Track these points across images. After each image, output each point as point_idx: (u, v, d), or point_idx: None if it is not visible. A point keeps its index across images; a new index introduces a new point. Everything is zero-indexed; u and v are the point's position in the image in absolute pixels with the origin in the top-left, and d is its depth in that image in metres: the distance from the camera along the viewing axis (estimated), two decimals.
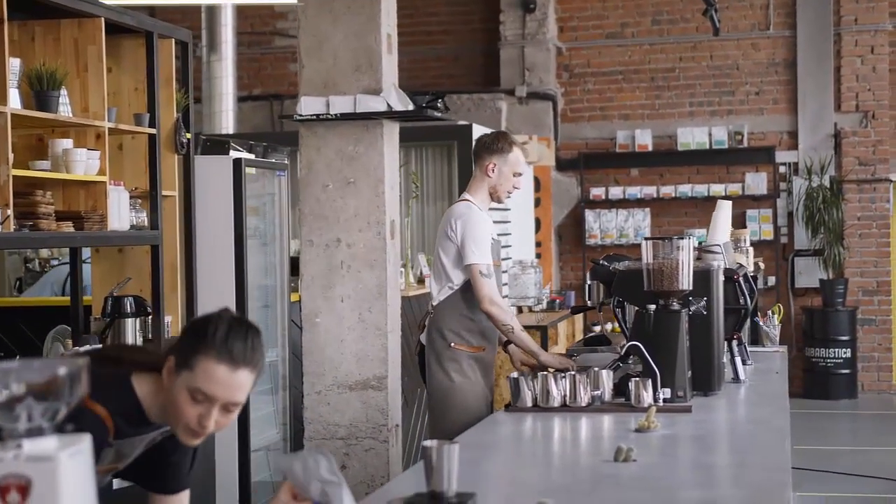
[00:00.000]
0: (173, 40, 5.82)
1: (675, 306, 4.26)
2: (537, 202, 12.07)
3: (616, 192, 12.58)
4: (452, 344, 5.11)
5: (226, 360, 2.52)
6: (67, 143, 4.96)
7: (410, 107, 5.39)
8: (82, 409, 2.48)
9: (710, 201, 11.38)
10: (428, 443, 2.69)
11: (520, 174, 5.24)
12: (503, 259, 9.66)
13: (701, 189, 12.36)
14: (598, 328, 10.20)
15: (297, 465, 2.39)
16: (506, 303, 5.15)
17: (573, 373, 4.23)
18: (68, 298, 5.82)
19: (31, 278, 8.42)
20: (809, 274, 12.29)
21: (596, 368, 4.22)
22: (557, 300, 10.60)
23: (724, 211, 5.52)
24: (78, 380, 1.78)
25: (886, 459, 9.17)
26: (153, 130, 5.54)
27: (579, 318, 10.80)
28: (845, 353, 11.94)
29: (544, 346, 8.97)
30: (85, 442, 1.77)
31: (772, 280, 12.26)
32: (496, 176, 5.18)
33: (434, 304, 5.23)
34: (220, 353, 2.52)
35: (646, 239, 4.33)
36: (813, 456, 9.08)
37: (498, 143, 5.22)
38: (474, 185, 5.24)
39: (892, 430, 10.74)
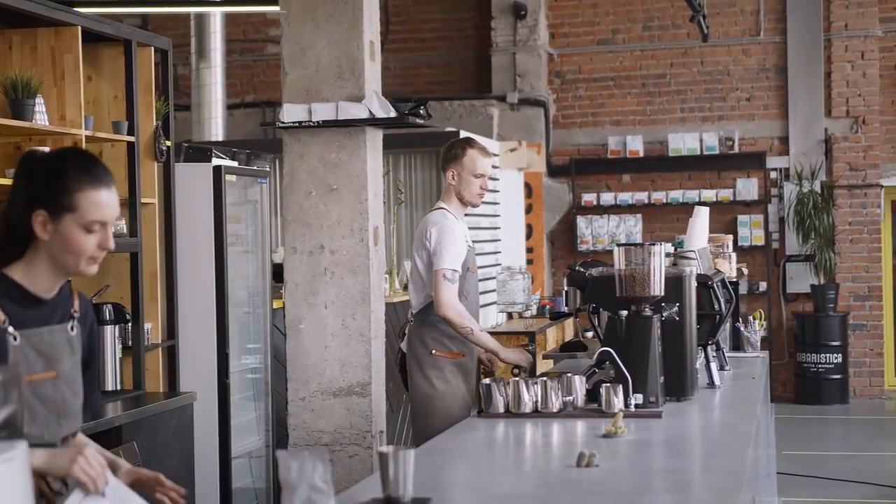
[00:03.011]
0: (153, 48, 5.84)
1: (647, 312, 4.27)
2: (529, 208, 12.09)
3: (608, 198, 12.59)
4: (433, 351, 5.17)
5: (100, 185, 2.69)
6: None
7: (392, 114, 5.41)
8: None
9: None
10: (383, 449, 2.71)
11: (481, 175, 5.28)
12: (490, 265, 9.76)
13: (692, 195, 12.37)
14: (590, 334, 10.21)
15: (294, 463, 2.40)
16: (465, 307, 5.18)
17: (545, 379, 4.23)
18: None
19: None
20: (801, 279, 12.29)
21: (569, 374, 4.23)
22: (548, 306, 10.61)
23: (701, 217, 5.53)
24: (13, 386, 1.79)
25: (877, 465, 9.17)
26: (132, 138, 5.56)
27: (570, 323, 10.81)
28: (836, 358, 11.94)
29: (533, 353, 8.99)
30: (20, 449, 1.79)
31: (763, 285, 12.27)
32: (458, 182, 5.28)
33: (414, 311, 5.28)
34: (93, 183, 2.68)
35: (618, 245, 4.34)
36: (803, 461, 9.08)
37: (452, 150, 5.32)
38: (446, 194, 5.35)
39: (883, 436, 10.73)
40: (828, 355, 11.93)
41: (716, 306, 4.88)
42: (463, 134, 9.23)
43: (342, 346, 5.43)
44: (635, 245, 4.32)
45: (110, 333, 5.40)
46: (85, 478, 2.50)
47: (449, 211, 5.25)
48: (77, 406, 2.77)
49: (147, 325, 5.74)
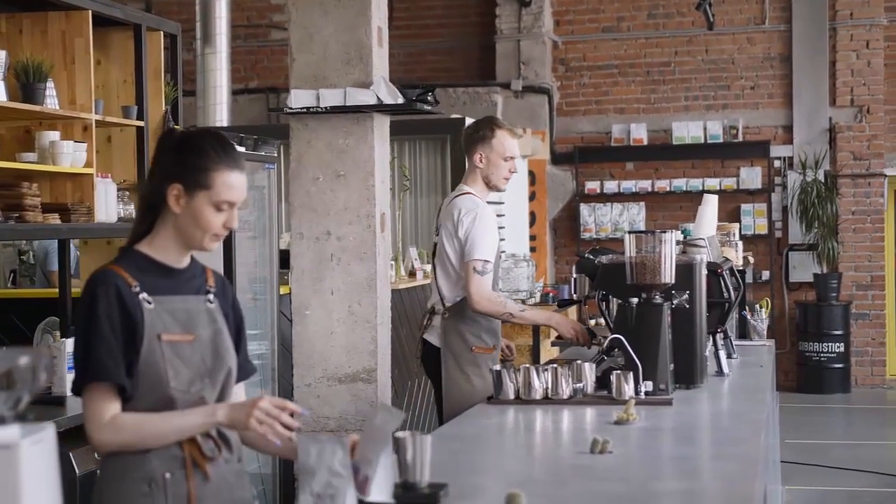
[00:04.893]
0: (162, 33, 5.83)
1: (658, 300, 4.28)
2: (532, 196, 12.09)
3: (611, 186, 12.59)
4: (473, 348, 5.06)
5: (235, 167, 2.81)
6: (54, 135, 4.98)
7: (400, 100, 5.38)
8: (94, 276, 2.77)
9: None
10: (400, 434, 2.71)
11: (510, 157, 5.16)
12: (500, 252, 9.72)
13: (696, 183, 12.37)
14: (592, 322, 10.21)
15: (313, 447, 2.40)
16: (495, 292, 5.08)
17: (555, 366, 4.23)
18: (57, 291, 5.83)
19: (25, 270, 8.41)
20: (803, 268, 12.30)
21: (579, 361, 4.24)
22: (552, 294, 10.61)
23: (710, 205, 5.53)
24: (40, 369, 1.80)
25: (878, 454, 9.19)
26: (141, 123, 5.56)
27: (574, 311, 10.82)
28: (839, 347, 11.96)
29: (536, 339, 8.98)
30: (48, 431, 1.79)
31: (766, 274, 12.28)
32: (485, 165, 5.13)
33: (448, 304, 5.12)
34: (228, 164, 2.79)
35: (629, 232, 4.34)
36: (805, 450, 9.10)
37: (480, 130, 5.17)
38: (470, 177, 5.18)
39: (885, 425, 10.77)
40: (830, 344, 11.94)
41: (725, 294, 4.89)
42: (471, 122, 9.25)
43: (348, 332, 5.42)
44: (646, 233, 4.32)
45: None
46: (261, 428, 2.67)
47: (477, 196, 5.10)
48: (220, 366, 2.85)
49: None
